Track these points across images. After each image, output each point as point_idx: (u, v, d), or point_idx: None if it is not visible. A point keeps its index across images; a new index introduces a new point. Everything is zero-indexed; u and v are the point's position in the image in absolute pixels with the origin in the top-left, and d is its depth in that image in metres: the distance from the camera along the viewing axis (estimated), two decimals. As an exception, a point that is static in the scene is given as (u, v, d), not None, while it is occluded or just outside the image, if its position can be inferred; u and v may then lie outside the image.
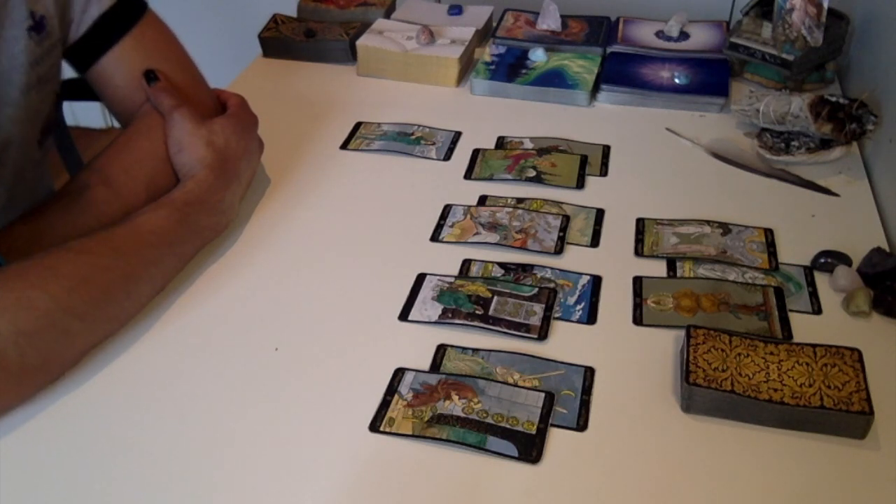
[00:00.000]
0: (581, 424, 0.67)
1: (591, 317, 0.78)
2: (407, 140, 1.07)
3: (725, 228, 0.88)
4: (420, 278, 0.82)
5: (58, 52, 0.84)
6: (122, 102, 0.91)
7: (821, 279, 0.82)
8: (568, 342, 0.75)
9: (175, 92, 0.89)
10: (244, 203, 0.93)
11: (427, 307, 0.78)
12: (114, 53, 0.88)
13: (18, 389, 0.68)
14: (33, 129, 0.85)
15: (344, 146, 1.07)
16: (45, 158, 0.91)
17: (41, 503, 0.61)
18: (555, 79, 1.17)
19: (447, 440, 0.65)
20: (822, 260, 0.83)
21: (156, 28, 0.92)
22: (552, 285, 0.81)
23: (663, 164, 1.02)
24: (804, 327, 0.76)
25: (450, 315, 0.77)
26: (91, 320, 0.71)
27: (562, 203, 0.94)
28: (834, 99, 0.99)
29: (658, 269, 0.84)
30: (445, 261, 0.85)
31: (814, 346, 0.71)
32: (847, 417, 0.65)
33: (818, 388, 0.67)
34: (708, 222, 0.89)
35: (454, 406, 0.68)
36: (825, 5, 1.09)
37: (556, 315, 0.78)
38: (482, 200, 0.95)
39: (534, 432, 0.66)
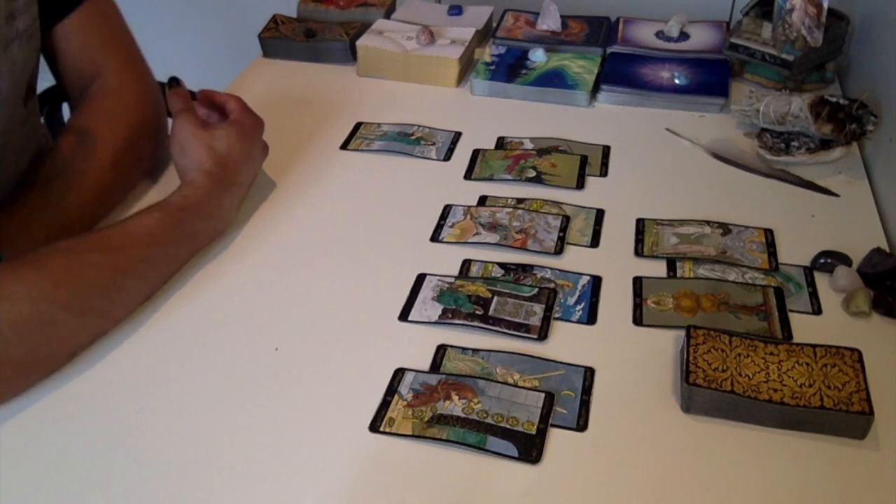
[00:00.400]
0: (581, 425, 0.67)
1: (590, 317, 0.78)
2: (407, 140, 1.07)
3: (725, 229, 0.88)
4: (420, 278, 0.82)
5: (34, 9, 0.85)
6: (71, 72, 0.94)
7: (821, 279, 0.82)
8: (568, 342, 0.75)
9: (187, 97, 0.91)
10: (245, 202, 0.93)
11: (427, 307, 0.78)
12: (72, 19, 0.91)
13: (4, 384, 0.68)
14: (17, 86, 0.85)
15: (344, 146, 1.07)
16: (31, 117, 0.91)
17: (38, 500, 0.61)
18: (555, 79, 1.17)
19: (447, 440, 0.65)
20: (822, 260, 0.83)
21: (110, 5, 0.97)
22: (552, 285, 0.81)
23: (663, 164, 1.02)
24: (804, 327, 0.76)
25: (450, 315, 0.77)
26: (78, 312, 0.71)
27: (562, 203, 0.94)
28: (834, 99, 0.99)
29: (658, 269, 0.84)
30: (445, 261, 0.85)
31: (814, 346, 0.71)
32: (847, 418, 0.65)
33: (818, 388, 0.67)
34: (708, 222, 0.89)
35: (454, 406, 0.68)
36: (825, 5, 1.09)
37: (556, 315, 0.78)
38: (482, 201, 0.95)
39: (534, 432, 0.66)
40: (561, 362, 0.72)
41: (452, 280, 0.82)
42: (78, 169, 0.87)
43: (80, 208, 0.86)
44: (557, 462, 0.64)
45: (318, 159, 1.04)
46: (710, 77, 1.16)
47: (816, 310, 0.78)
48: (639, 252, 0.86)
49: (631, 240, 0.88)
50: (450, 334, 0.76)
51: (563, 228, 0.89)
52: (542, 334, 0.75)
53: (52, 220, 0.83)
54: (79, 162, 0.87)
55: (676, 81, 1.15)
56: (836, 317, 0.78)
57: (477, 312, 0.77)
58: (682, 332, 0.72)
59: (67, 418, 0.68)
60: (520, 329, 0.76)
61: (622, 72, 1.18)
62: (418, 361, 0.73)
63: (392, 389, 0.70)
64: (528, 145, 1.05)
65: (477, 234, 0.89)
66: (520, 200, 0.94)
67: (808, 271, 0.83)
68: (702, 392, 0.67)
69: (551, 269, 0.84)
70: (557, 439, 0.66)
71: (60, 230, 0.82)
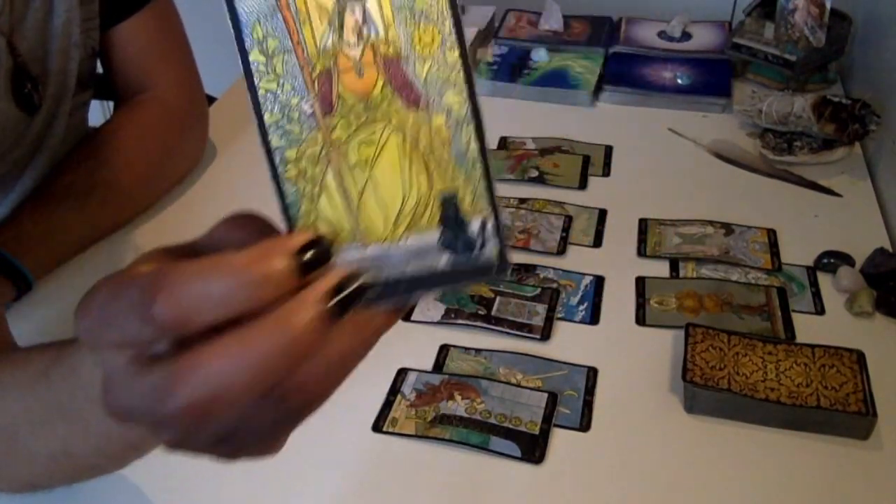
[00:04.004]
0: (584, 425, 0.67)
1: (593, 317, 0.78)
2: (409, 140, 1.07)
3: (728, 229, 0.88)
4: (423, 278, 0.82)
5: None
6: (125, 75, 0.92)
7: (824, 280, 0.82)
8: (571, 342, 0.75)
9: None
10: (244, 201, 0.93)
11: (430, 307, 0.78)
12: (131, 23, 0.89)
13: None
14: (84, 67, 0.85)
15: (346, 146, 1.06)
16: (88, 99, 0.91)
17: (37, 499, 0.61)
18: (557, 79, 1.17)
19: (450, 440, 0.65)
20: (825, 260, 0.83)
21: (172, 9, 0.94)
22: (555, 285, 0.81)
23: (666, 164, 1.02)
24: (807, 328, 0.76)
25: (453, 315, 0.77)
26: None
27: (564, 203, 0.94)
28: (836, 99, 0.99)
29: (661, 269, 0.84)
30: (448, 261, 0.85)
31: (812, 346, 0.71)
32: (847, 418, 0.65)
33: (815, 388, 0.67)
34: (711, 223, 0.89)
35: (457, 406, 0.68)
36: (828, 6, 1.09)
37: (559, 315, 0.78)
38: (485, 200, 0.95)
39: (537, 433, 0.65)
40: (564, 362, 0.72)
41: (455, 280, 0.82)
42: (114, 182, 0.86)
43: (114, 223, 0.87)
44: (560, 462, 0.64)
45: (320, 159, 1.03)
46: (713, 77, 1.16)
47: (819, 310, 0.78)
48: (642, 252, 0.86)
49: (634, 240, 0.88)
50: (453, 334, 0.76)
51: (566, 228, 0.89)
52: (545, 334, 0.75)
53: (85, 233, 0.84)
54: (117, 174, 0.86)
55: (679, 81, 1.15)
56: (839, 317, 0.78)
57: (480, 312, 0.77)
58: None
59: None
60: (523, 329, 0.76)
61: (624, 72, 1.18)
62: (421, 361, 0.73)
63: (395, 389, 0.70)
64: (531, 145, 1.05)
65: (479, 234, 0.88)
66: (522, 200, 0.94)
67: (811, 271, 0.83)
68: (705, 392, 0.67)
69: (554, 269, 0.84)
70: (560, 439, 0.66)
71: (91, 241, 0.85)
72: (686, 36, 1.26)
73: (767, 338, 0.73)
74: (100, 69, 0.92)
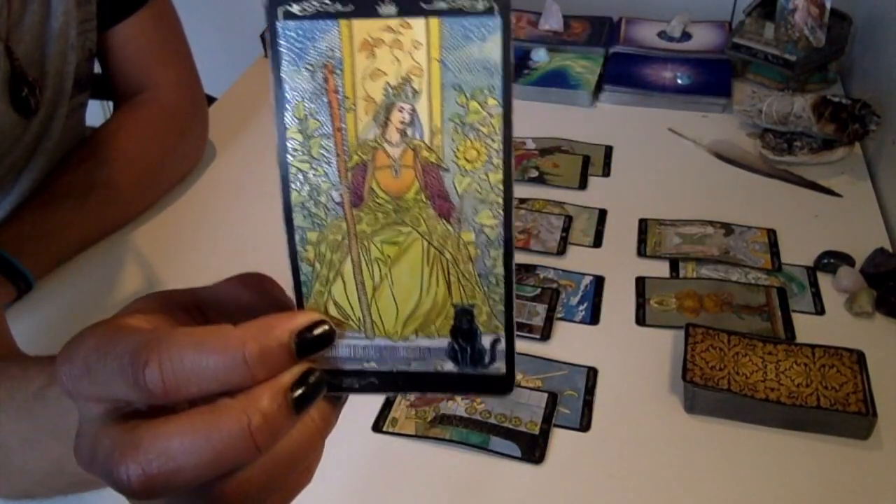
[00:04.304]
0: (584, 425, 0.67)
1: (593, 317, 0.78)
2: (409, 140, 1.07)
3: (728, 229, 0.88)
4: (422, 278, 0.82)
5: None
6: (124, 75, 0.92)
7: (824, 280, 0.82)
8: (571, 342, 0.75)
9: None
10: (244, 201, 0.93)
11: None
12: (130, 23, 0.89)
13: None
14: (81, 69, 0.85)
15: (346, 146, 1.06)
16: (85, 100, 0.91)
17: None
18: (557, 79, 1.17)
19: (450, 440, 0.65)
20: (825, 260, 0.83)
21: (170, 9, 0.94)
22: (555, 286, 0.81)
23: (666, 164, 1.02)
24: (807, 328, 0.76)
25: (452, 315, 0.77)
26: None
27: (564, 203, 0.94)
28: (836, 99, 0.99)
29: (661, 269, 0.84)
30: (448, 261, 0.85)
31: (812, 346, 0.71)
32: (847, 418, 0.65)
33: (815, 388, 0.67)
34: (711, 223, 0.89)
35: (457, 406, 0.68)
36: (828, 6, 1.09)
37: (559, 315, 0.78)
38: (484, 201, 0.95)
39: (537, 433, 0.65)
40: (564, 362, 0.72)
41: (455, 280, 0.82)
42: (114, 182, 0.86)
43: (113, 223, 0.88)
44: (560, 462, 0.64)
45: (320, 159, 1.03)
46: (713, 77, 1.16)
47: (819, 310, 0.78)
48: (642, 252, 0.86)
49: (634, 240, 0.88)
50: (452, 334, 0.76)
51: (566, 228, 0.89)
52: (545, 334, 0.75)
53: (85, 233, 0.84)
54: (116, 174, 0.86)
55: (679, 81, 1.15)
56: (839, 317, 0.78)
57: (479, 312, 0.77)
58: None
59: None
60: (522, 329, 0.76)
61: (624, 72, 1.18)
62: (421, 361, 0.73)
63: (395, 389, 0.70)
64: (531, 145, 1.05)
65: (479, 234, 0.89)
66: (522, 200, 0.94)
67: (811, 271, 0.83)
68: (704, 392, 0.67)
69: (554, 269, 0.84)
70: (560, 439, 0.66)
71: (91, 242, 0.85)
72: (686, 36, 1.26)
73: (767, 338, 0.73)
74: (98, 70, 0.92)
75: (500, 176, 0.32)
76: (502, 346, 0.34)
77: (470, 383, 0.34)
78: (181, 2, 0.96)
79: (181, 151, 0.96)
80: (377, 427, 0.66)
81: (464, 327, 0.34)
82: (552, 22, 1.29)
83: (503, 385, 0.34)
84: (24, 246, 0.76)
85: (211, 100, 1.11)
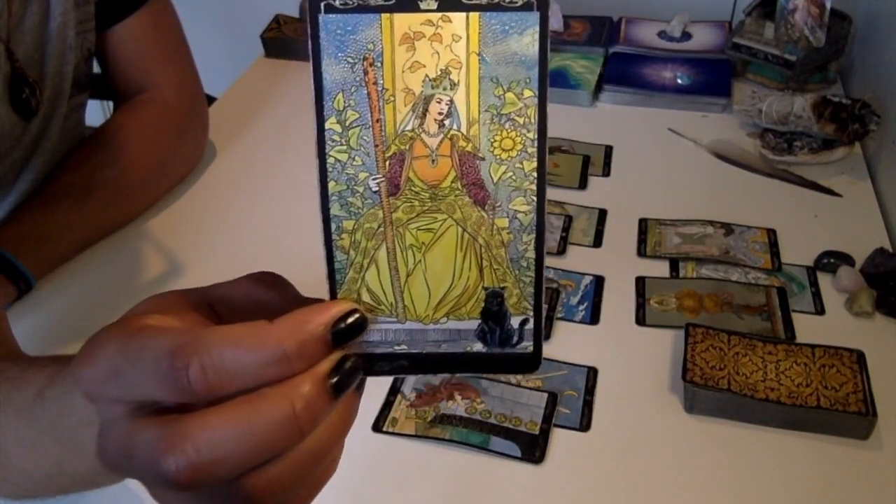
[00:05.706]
0: (584, 425, 0.67)
1: (593, 317, 0.78)
2: (409, 140, 1.07)
3: (728, 229, 0.88)
4: (423, 278, 0.82)
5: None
6: (124, 75, 0.92)
7: (824, 280, 0.82)
8: (571, 342, 0.75)
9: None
10: (244, 201, 0.93)
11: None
12: (129, 24, 0.89)
13: None
14: (79, 69, 0.85)
15: (346, 146, 1.06)
16: (85, 101, 0.91)
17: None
18: (557, 79, 1.17)
19: (450, 440, 0.65)
20: (825, 260, 0.83)
21: (170, 9, 0.94)
22: (555, 285, 0.81)
23: (666, 164, 1.02)
24: (807, 328, 0.76)
25: (452, 315, 0.77)
26: None
27: (564, 203, 0.94)
28: (836, 99, 0.99)
29: (661, 269, 0.84)
30: (448, 261, 0.85)
31: (812, 346, 0.71)
32: (847, 418, 0.65)
33: (815, 388, 0.67)
34: (711, 223, 0.89)
35: (457, 406, 0.68)
36: (828, 5, 1.09)
37: (559, 315, 0.78)
38: (485, 201, 0.95)
39: (537, 433, 0.66)
40: (564, 362, 0.72)
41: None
42: (114, 182, 0.86)
43: (114, 223, 0.88)
44: (560, 462, 0.64)
45: (320, 159, 1.03)
46: (713, 77, 1.16)
47: (819, 310, 0.78)
48: (641, 252, 0.86)
49: (634, 240, 0.88)
50: (452, 334, 0.76)
51: (566, 228, 0.89)
52: (545, 334, 0.75)
53: (85, 233, 0.84)
54: (117, 174, 0.86)
55: (679, 81, 1.15)
56: (839, 317, 0.78)
57: (480, 312, 0.77)
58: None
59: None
60: (522, 329, 0.76)
61: (624, 72, 1.18)
62: (421, 361, 0.73)
63: (395, 389, 0.70)
64: (531, 145, 1.05)
65: (479, 234, 0.89)
66: (522, 200, 0.94)
67: (811, 271, 0.83)
68: (704, 392, 0.67)
69: (554, 269, 0.84)
70: (560, 439, 0.66)
71: (91, 241, 0.85)
72: (686, 36, 1.26)
73: (767, 338, 0.73)
74: (97, 70, 0.92)
75: (534, 164, 0.33)
76: (530, 325, 0.35)
77: (498, 363, 0.35)
78: (181, 2, 0.96)
79: (181, 151, 0.96)
80: (377, 427, 0.66)
81: (494, 309, 0.35)
82: (552, 22, 1.29)
83: (530, 363, 0.35)
84: (24, 246, 0.76)
85: (211, 100, 1.11)
